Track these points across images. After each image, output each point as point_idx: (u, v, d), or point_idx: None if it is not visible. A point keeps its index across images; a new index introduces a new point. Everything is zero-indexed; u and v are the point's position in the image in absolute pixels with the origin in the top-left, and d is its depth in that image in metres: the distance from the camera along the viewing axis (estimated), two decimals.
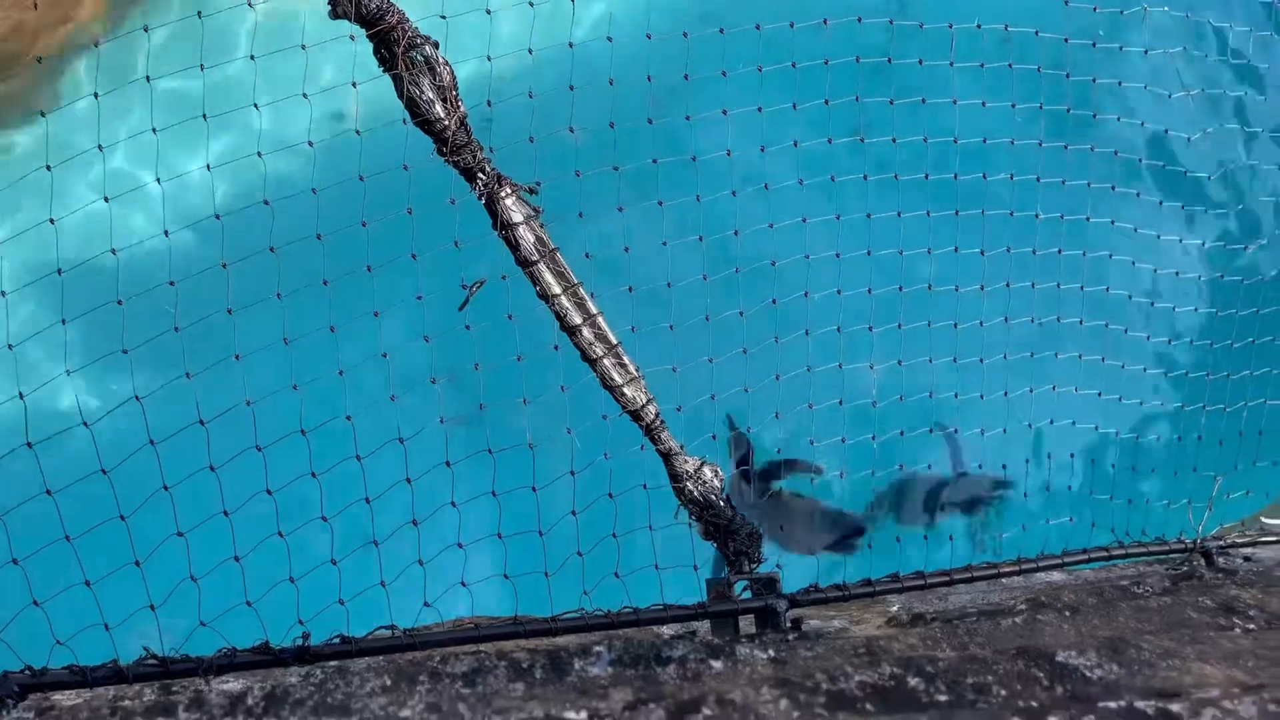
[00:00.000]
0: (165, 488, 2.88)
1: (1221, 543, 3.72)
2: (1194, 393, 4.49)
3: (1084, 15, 4.31)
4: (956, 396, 4.28)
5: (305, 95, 2.95)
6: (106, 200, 2.88)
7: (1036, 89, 4.22)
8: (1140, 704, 1.66)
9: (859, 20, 3.68)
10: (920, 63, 3.79)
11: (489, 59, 3.14)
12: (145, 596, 2.85)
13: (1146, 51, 4.96)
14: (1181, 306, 4.88)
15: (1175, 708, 1.64)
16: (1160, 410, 4.50)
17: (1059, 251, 4.17)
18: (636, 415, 3.50)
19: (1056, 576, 3.63)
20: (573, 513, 3.22)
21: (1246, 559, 3.70)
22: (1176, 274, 4.78)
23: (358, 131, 3.01)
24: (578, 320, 3.35)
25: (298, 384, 3.06)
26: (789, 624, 3.12)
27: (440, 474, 3.15)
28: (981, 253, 3.99)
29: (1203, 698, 1.66)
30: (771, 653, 2.35)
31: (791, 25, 3.53)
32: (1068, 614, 2.33)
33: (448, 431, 3.21)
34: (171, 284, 2.84)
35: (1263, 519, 3.90)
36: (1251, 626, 2.18)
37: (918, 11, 3.96)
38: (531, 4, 3.15)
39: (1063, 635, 2.15)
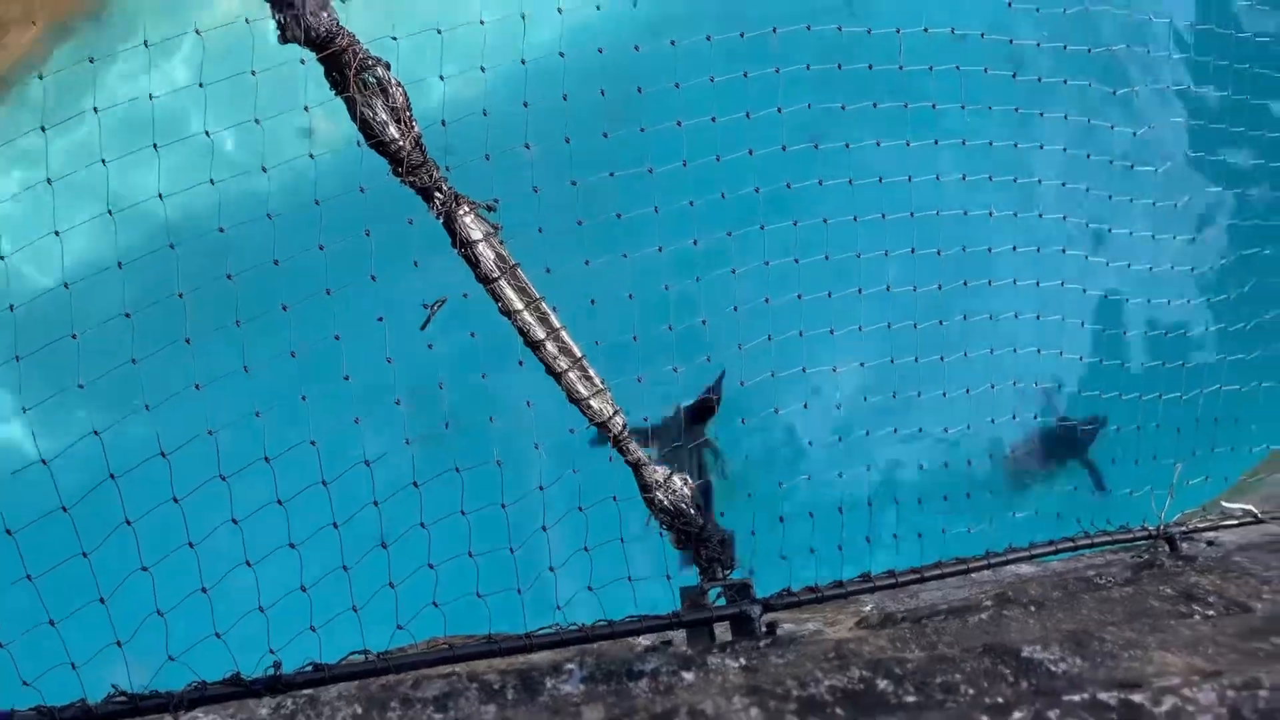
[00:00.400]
0: (128, 522, 2.84)
1: (1184, 528, 3.78)
2: (1151, 382, 4.56)
3: (1027, 15, 4.39)
4: (920, 395, 4.32)
5: (257, 121, 2.94)
6: (57, 234, 2.85)
7: (983, 90, 4.29)
8: (1103, 695, 1.69)
9: (808, 28, 3.72)
10: (870, 68, 3.84)
11: (441, 79, 3.14)
12: (112, 633, 2.81)
13: (1090, 50, 5.05)
14: (1134, 299, 4.97)
15: (1137, 698, 1.67)
16: (1119, 400, 4.57)
17: (1014, 248, 4.23)
18: (604, 427, 3.52)
19: (1025, 569, 3.67)
20: (543, 528, 3.22)
21: (1210, 543, 3.76)
22: (1129, 266, 4.88)
23: (312, 155, 3.00)
24: (541, 335, 3.36)
25: (260, 411, 3.04)
26: (763, 629, 3.13)
27: (408, 495, 3.14)
28: (938, 253, 4.04)
29: (1163, 686, 1.69)
30: (743, 661, 2.36)
31: (742, 35, 3.57)
32: (1033, 608, 2.36)
33: (414, 452, 3.20)
34: (127, 315, 2.81)
35: (1223, 503, 3.97)
36: (1211, 613, 2.22)
37: (865, 16, 4.01)
38: (482, 22, 3.16)
39: (1028, 630, 2.18)
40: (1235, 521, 3.90)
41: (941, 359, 4.02)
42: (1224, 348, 4.76)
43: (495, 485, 3.20)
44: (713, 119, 3.52)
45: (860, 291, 3.84)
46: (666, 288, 3.59)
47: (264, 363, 2.99)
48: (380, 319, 3.11)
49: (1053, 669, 1.89)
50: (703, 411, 5.57)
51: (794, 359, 3.83)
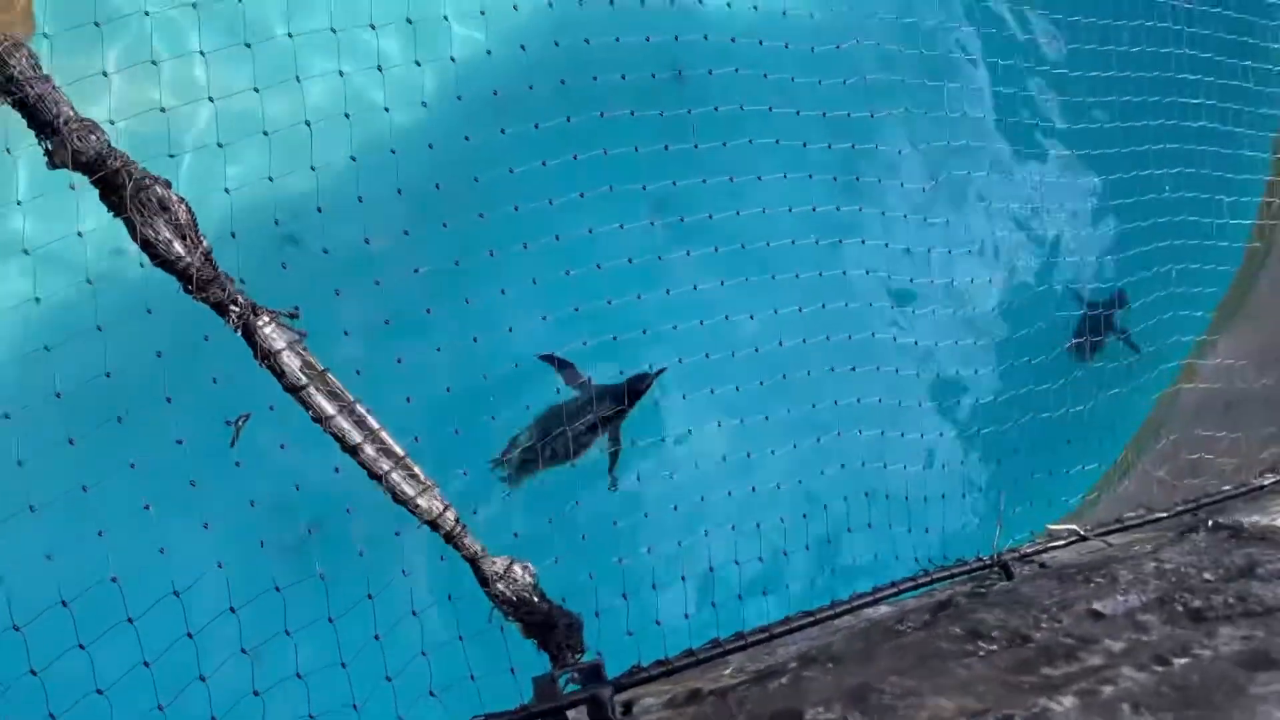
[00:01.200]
0: None
1: (1017, 554, 3.92)
2: (972, 418, 4.77)
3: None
4: (773, 453, 4.40)
5: (26, 251, 2.83)
6: None
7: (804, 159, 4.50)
8: None
9: (632, 113, 3.82)
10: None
11: (227, 191, 3.10)
12: None
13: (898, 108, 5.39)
14: (943, 340, 5.22)
15: None
16: (939, 440, 4.76)
17: (846, 304, 4.40)
18: (435, 525, 3.44)
19: (884, 609, 3.72)
20: (376, 637, 3.11)
21: (1042, 565, 3.92)
22: (932, 312, 5.14)
23: (89, 281, 2.90)
24: (358, 439, 3.27)
25: (51, 554, 2.86)
26: (619, 710, 3.08)
27: (226, 620, 2.98)
28: (775, 312, 4.16)
29: None
30: None
31: (536, 126, 3.65)
32: (830, 665, 2.39)
33: (229, 574, 3.06)
34: None
35: (1049, 527, 4.16)
36: (994, 648, 2.29)
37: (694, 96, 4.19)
38: (266, 133, 3.15)
39: (822, 689, 2.21)
40: (1063, 542, 4.07)
41: (813, 405, 4.12)
42: (1027, 379, 5.03)
43: (321, 602, 3.08)
44: (514, 208, 3.56)
45: (680, 361, 3.92)
46: (485, 377, 3.59)
47: (51, 502, 2.82)
48: (180, 441, 2.99)
49: None
50: (635, 391, 5.43)
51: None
